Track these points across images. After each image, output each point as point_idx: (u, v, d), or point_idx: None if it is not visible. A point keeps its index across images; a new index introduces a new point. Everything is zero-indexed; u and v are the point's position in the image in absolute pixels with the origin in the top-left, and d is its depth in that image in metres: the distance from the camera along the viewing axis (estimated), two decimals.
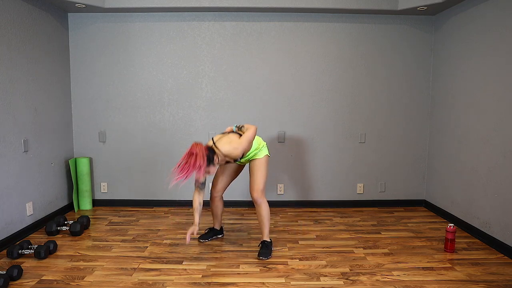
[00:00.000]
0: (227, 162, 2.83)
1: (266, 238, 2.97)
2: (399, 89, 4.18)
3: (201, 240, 3.21)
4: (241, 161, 2.95)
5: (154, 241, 3.23)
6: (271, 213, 4.05)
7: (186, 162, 2.48)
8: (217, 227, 3.29)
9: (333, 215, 4.01)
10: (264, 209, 2.92)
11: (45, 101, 3.65)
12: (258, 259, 2.87)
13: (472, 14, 3.42)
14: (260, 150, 2.92)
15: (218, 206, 3.20)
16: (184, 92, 4.14)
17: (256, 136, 2.92)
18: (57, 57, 3.85)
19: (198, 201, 2.81)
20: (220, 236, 3.33)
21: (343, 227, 3.61)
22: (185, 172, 2.46)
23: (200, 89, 4.13)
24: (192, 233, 2.73)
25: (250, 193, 2.91)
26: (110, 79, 4.12)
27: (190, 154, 2.50)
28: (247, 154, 2.88)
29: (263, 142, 3.00)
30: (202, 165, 2.50)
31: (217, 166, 2.70)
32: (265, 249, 2.91)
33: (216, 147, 2.69)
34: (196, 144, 2.56)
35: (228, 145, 2.69)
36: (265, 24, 4.06)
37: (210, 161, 2.58)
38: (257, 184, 2.88)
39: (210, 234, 3.27)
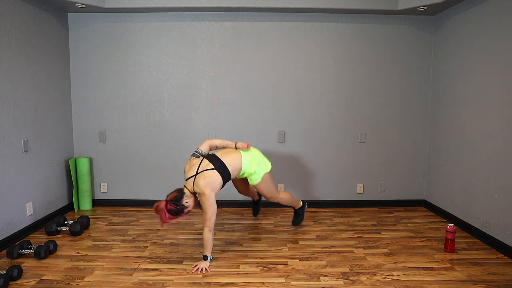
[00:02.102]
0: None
1: (298, 206, 3.49)
2: (399, 89, 4.18)
3: (256, 216, 3.78)
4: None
5: (154, 241, 3.23)
6: (272, 213, 4.06)
7: (160, 218, 2.67)
8: (255, 197, 3.66)
9: (333, 215, 4.01)
10: (283, 200, 3.29)
11: (45, 101, 3.65)
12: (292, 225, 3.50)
13: (472, 14, 3.42)
14: (256, 174, 3.03)
15: (248, 193, 3.58)
16: (184, 92, 4.14)
17: (247, 157, 3.00)
18: (57, 57, 3.85)
19: None
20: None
21: (343, 227, 3.61)
22: (165, 222, 2.67)
23: (200, 89, 4.13)
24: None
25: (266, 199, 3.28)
26: (110, 79, 4.12)
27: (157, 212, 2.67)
28: (240, 175, 3.06)
29: (260, 163, 3.06)
30: (172, 219, 2.67)
31: (190, 207, 2.75)
32: (296, 218, 3.53)
33: (187, 186, 2.80)
34: (156, 207, 2.65)
35: (202, 181, 2.74)
36: (265, 24, 4.06)
37: (180, 212, 2.68)
38: (267, 196, 3.20)
39: (257, 207, 3.75)
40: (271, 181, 3.16)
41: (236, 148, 3.03)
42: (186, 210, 2.72)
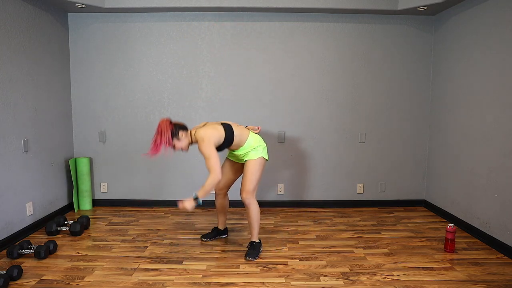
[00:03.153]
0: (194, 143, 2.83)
1: (255, 239, 2.98)
2: (399, 89, 4.18)
3: (203, 239, 3.19)
4: (235, 154, 2.96)
5: (154, 241, 3.23)
6: (271, 213, 4.06)
7: (154, 139, 2.63)
8: (221, 227, 3.28)
9: (333, 215, 4.01)
10: (253, 211, 2.88)
11: (45, 101, 3.65)
12: (245, 259, 2.87)
13: (472, 14, 3.42)
14: (255, 150, 2.87)
15: (222, 203, 3.18)
16: (184, 92, 4.14)
17: (254, 136, 2.92)
18: (57, 57, 3.85)
19: None
20: (224, 236, 3.32)
21: (343, 227, 3.61)
22: (155, 146, 2.60)
23: (200, 89, 4.13)
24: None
25: (240, 193, 2.89)
26: (110, 79, 4.12)
27: (157, 131, 2.64)
28: (239, 150, 2.89)
29: (262, 143, 2.93)
30: (167, 140, 2.61)
31: (183, 142, 2.71)
32: (253, 250, 2.91)
33: (196, 128, 2.82)
34: (162, 120, 2.66)
35: (203, 129, 2.72)
36: (265, 24, 4.06)
37: (174, 135, 2.65)
38: (247, 185, 2.83)
39: (213, 233, 3.25)
40: (260, 173, 2.88)
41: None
42: (174, 142, 2.66)
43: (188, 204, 2.60)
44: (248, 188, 2.84)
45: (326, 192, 4.28)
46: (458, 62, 3.64)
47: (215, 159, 2.63)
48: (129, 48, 4.08)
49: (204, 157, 2.67)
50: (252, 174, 2.84)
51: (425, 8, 3.75)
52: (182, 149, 2.74)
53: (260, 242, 3.01)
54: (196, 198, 2.61)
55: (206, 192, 2.62)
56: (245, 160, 2.90)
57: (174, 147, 2.69)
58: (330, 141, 4.21)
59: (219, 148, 2.80)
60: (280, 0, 3.78)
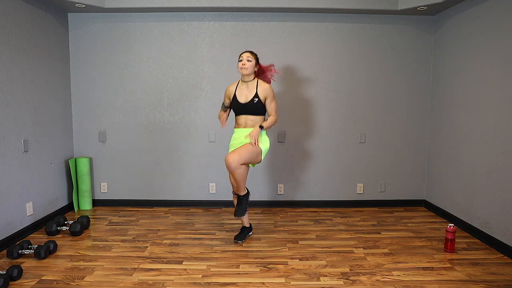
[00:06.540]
0: (246, 82, 3.15)
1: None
2: (399, 89, 4.18)
3: (239, 241, 3.18)
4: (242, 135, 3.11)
5: (154, 241, 3.23)
6: (271, 213, 4.06)
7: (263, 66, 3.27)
8: (246, 224, 3.31)
9: (333, 215, 4.01)
10: (239, 174, 2.93)
11: (45, 101, 3.65)
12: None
13: (472, 14, 3.42)
14: (263, 139, 3.08)
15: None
16: (184, 92, 4.14)
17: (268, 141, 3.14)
18: (57, 57, 3.85)
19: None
20: (250, 234, 3.36)
21: (343, 227, 3.61)
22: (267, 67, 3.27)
23: (200, 89, 4.13)
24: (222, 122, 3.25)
25: (226, 158, 2.88)
26: (110, 79, 4.12)
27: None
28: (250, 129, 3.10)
29: (267, 143, 3.11)
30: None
31: (248, 66, 3.04)
32: (239, 206, 3.09)
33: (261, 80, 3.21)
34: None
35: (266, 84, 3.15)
36: (265, 24, 4.06)
37: (257, 60, 3.16)
38: (236, 154, 2.89)
39: (244, 233, 3.27)
40: (249, 158, 2.95)
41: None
42: (255, 66, 3.11)
43: (256, 132, 2.99)
44: (237, 157, 2.87)
45: (326, 192, 4.28)
46: (458, 62, 3.64)
47: (276, 104, 3.16)
48: (129, 48, 4.08)
49: (270, 101, 3.08)
50: (247, 152, 2.95)
51: (425, 8, 3.75)
52: (245, 68, 3.04)
53: (248, 193, 3.15)
54: (261, 128, 3.03)
55: (268, 126, 3.08)
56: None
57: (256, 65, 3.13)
58: (330, 141, 4.21)
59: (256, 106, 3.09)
60: (280, 0, 3.78)
